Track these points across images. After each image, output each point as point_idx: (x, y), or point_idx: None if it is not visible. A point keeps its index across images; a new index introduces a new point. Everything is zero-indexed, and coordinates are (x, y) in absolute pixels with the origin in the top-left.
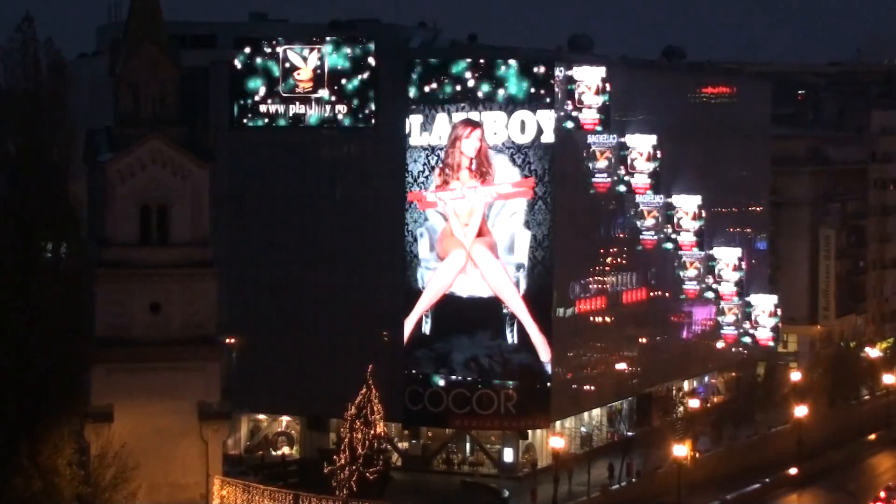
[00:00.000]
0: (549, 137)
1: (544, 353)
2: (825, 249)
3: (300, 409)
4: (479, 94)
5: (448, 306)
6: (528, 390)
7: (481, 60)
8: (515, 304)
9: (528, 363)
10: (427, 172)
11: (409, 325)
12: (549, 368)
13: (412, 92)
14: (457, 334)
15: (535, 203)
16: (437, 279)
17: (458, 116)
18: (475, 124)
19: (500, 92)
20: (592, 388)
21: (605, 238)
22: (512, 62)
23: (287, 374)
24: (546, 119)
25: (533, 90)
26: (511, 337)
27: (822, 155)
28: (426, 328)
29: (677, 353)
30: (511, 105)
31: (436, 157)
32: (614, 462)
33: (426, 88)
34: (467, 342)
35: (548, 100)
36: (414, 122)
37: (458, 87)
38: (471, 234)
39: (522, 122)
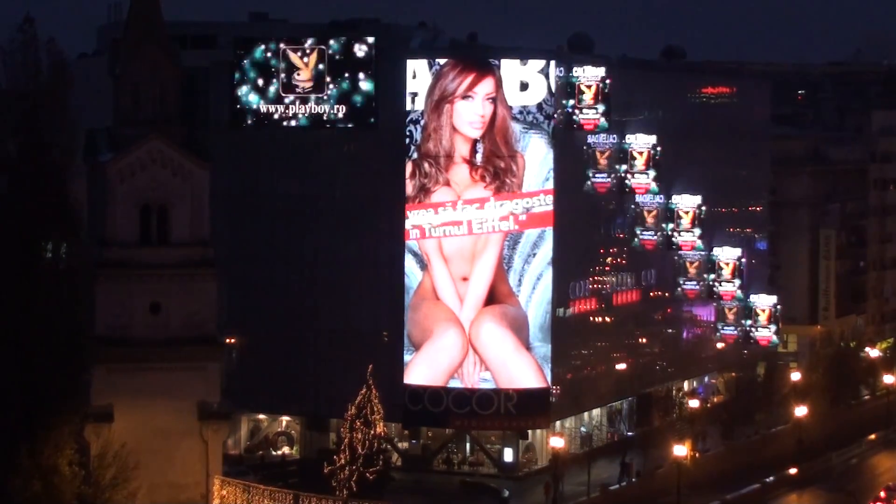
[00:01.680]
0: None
1: (541, 384)
2: (825, 249)
3: (300, 409)
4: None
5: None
6: (527, 390)
7: None
8: (533, 378)
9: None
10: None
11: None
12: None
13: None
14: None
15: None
16: (413, 377)
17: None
18: (485, 70)
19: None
20: (592, 388)
21: (604, 238)
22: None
23: (287, 374)
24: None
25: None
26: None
27: (822, 155)
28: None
29: (677, 353)
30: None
31: (408, 138)
32: (626, 459)
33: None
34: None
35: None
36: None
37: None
38: (474, 298)
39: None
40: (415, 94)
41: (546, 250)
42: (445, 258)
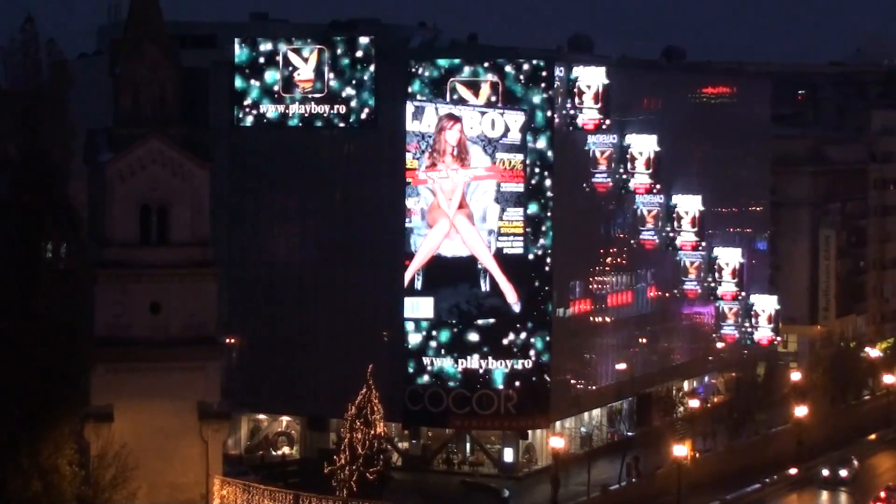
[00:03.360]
0: (514, 137)
1: (511, 296)
2: (825, 249)
3: (300, 409)
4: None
5: (435, 265)
6: (527, 390)
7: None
8: (487, 260)
9: (498, 305)
10: (419, 155)
11: (405, 280)
12: (515, 309)
13: (411, 87)
14: (442, 287)
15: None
16: (426, 243)
17: (444, 110)
18: (456, 118)
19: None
20: (592, 388)
21: (605, 238)
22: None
23: (287, 374)
24: (513, 121)
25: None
26: (484, 286)
27: (822, 155)
28: (418, 284)
29: (677, 353)
30: (485, 106)
31: (426, 143)
32: (628, 459)
33: (419, 85)
34: (451, 292)
35: (520, 106)
36: (407, 110)
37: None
38: (453, 207)
39: (492, 121)
40: (429, 126)
41: (478, 191)
42: (442, 191)
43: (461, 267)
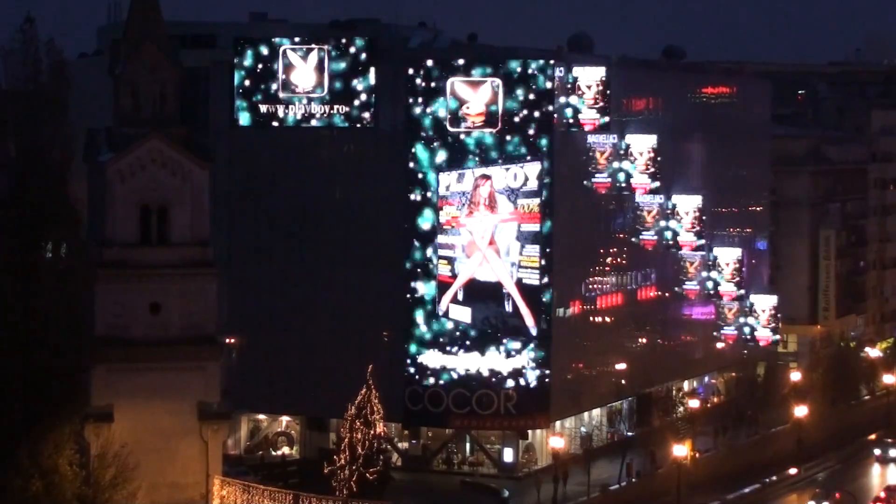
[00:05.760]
0: (532, 185)
1: (529, 320)
2: (825, 249)
3: (300, 409)
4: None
5: (472, 286)
6: (527, 390)
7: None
8: (510, 287)
9: (518, 325)
10: (461, 207)
11: (450, 295)
12: (533, 332)
13: (443, 157)
14: (477, 301)
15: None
16: (465, 269)
17: (479, 171)
18: (487, 177)
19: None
20: (592, 388)
21: (604, 238)
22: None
23: (287, 374)
24: (531, 171)
25: (524, 150)
26: (507, 307)
27: (822, 155)
28: (460, 296)
29: (677, 353)
30: (508, 162)
31: (466, 198)
32: (633, 459)
33: (455, 154)
34: (483, 307)
35: (537, 154)
36: (451, 178)
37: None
38: (485, 243)
39: (514, 174)
40: (469, 183)
41: (503, 230)
42: (477, 232)
43: (491, 290)
